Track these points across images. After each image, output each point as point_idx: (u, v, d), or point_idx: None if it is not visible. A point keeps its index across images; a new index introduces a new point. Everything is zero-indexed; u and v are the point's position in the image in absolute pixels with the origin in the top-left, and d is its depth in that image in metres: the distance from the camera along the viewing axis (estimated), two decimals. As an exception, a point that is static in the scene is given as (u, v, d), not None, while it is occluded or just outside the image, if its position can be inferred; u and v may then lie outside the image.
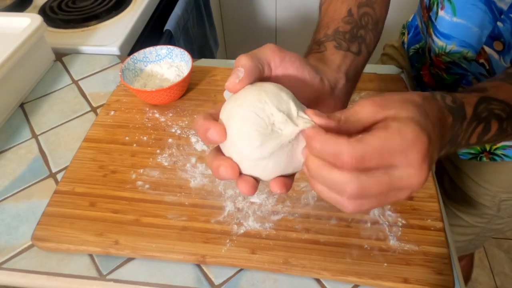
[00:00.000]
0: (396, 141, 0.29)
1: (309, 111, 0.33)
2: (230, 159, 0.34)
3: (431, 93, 0.35)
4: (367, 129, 0.32)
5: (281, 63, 0.35)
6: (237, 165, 0.34)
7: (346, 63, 0.42)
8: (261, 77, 0.35)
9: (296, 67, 0.36)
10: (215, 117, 0.35)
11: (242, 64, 0.34)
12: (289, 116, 0.32)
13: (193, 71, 0.73)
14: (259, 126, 0.32)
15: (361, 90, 0.71)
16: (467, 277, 1.37)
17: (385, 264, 0.48)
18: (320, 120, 0.32)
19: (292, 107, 0.33)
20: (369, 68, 0.77)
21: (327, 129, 0.31)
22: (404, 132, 0.30)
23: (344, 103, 0.41)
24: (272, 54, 0.35)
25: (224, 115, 0.34)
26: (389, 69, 0.78)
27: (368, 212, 0.53)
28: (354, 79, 0.44)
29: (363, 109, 0.32)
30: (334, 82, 0.40)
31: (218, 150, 0.35)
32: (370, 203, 0.31)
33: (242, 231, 0.52)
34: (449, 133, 0.35)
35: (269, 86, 0.34)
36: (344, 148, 0.29)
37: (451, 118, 0.35)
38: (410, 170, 0.30)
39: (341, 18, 0.46)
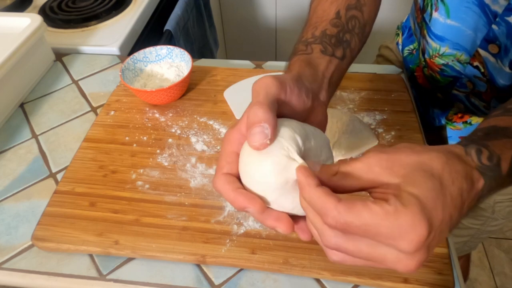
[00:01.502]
0: (389, 223, 0.26)
1: (298, 168, 0.31)
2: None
3: (465, 148, 0.32)
4: (365, 189, 0.30)
5: (286, 98, 0.35)
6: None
7: (330, 68, 0.42)
8: None
9: (297, 94, 0.35)
10: (233, 173, 0.34)
11: (263, 118, 0.31)
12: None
13: (193, 71, 0.73)
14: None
15: (361, 90, 0.71)
16: (464, 277, 1.37)
17: (385, 264, 0.48)
18: (306, 178, 0.30)
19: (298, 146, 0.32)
20: (369, 68, 0.77)
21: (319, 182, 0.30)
22: (400, 216, 0.26)
23: (324, 107, 0.40)
24: (278, 92, 0.34)
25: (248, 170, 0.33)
26: (389, 69, 0.78)
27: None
28: (336, 83, 0.44)
29: (369, 164, 0.30)
30: (318, 88, 0.40)
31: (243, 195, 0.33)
32: (352, 261, 0.29)
33: (242, 231, 0.52)
34: (475, 198, 0.31)
35: (285, 131, 0.33)
36: (329, 210, 0.28)
37: (482, 181, 0.31)
38: (399, 256, 0.27)
39: (329, 20, 0.46)
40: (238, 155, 0.35)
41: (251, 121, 0.31)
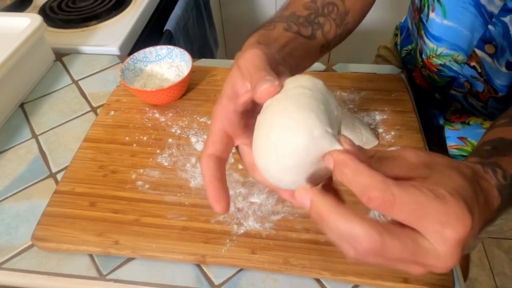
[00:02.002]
0: (438, 207, 0.25)
1: (342, 138, 0.28)
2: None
3: (482, 166, 0.32)
4: (399, 178, 0.28)
5: (274, 67, 0.34)
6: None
7: (292, 44, 0.41)
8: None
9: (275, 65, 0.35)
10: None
11: (268, 75, 0.31)
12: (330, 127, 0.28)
13: (193, 71, 0.73)
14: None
15: (361, 90, 0.71)
16: (464, 277, 1.37)
17: (385, 264, 0.48)
18: (352, 148, 0.28)
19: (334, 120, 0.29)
20: (369, 68, 0.77)
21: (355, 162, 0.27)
22: (450, 204, 0.25)
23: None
24: (266, 57, 0.33)
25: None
26: (389, 69, 0.78)
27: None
28: (301, 60, 0.42)
29: (406, 156, 0.28)
30: (279, 60, 0.38)
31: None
32: (379, 262, 0.27)
33: (242, 231, 0.52)
34: (491, 215, 0.31)
35: (320, 87, 0.30)
36: (378, 182, 0.25)
37: (499, 200, 0.31)
38: (441, 248, 0.26)
39: (302, 4, 0.46)
40: (224, 132, 0.33)
41: (255, 79, 0.31)
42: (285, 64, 0.38)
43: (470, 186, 0.28)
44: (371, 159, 0.28)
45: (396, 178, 0.27)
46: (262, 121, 0.30)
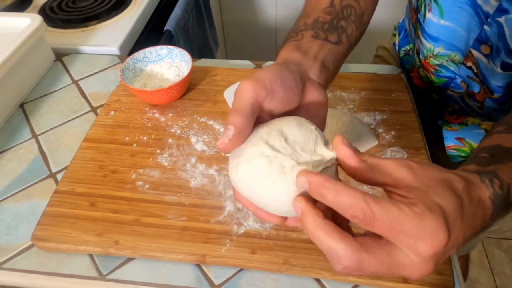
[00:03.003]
0: (414, 222, 0.27)
1: (338, 139, 0.31)
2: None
3: (480, 176, 0.33)
4: (386, 186, 0.30)
5: (268, 93, 0.34)
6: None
7: (322, 51, 0.42)
8: (257, 118, 0.34)
9: (279, 84, 0.35)
10: None
11: (232, 122, 0.32)
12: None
13: (193, 71, 0.73)
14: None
15: (361, 90, 0.71)
16: (464, 277, 1.37)
17: (385, 264, 0.48)
18: (348, 151, 0.30)
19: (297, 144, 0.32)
20: (369, 68, 0.77)
21: (349, 166, 0.30)
22: (426, 219, 0.27)
23: (319, 87, 0.39)
24: (256, 93, 0.34)
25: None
26: (389, 69, 0.78)
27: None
28: (333, 67, 0.43)
29: (398, 168, 0.30)
30: (308, 69, 0.40)
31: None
32: (361, 273, 0.29)
33: (242, 231, 0.52)
34: (483, 224, 0.32)
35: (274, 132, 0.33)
36: (358, 200, 0.27)
37: (491, 210, 0.32)
38: (415, 259, 0.28)
39: (322, 9, 0.46)
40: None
41: (224, 127, 0.33)
42: (320, 75, 0.40)
43: (456, 201, 0.29)
44: (364, 163, 0.30)
45: (384, 185, 0.30)
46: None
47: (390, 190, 0.31)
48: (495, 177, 0.34)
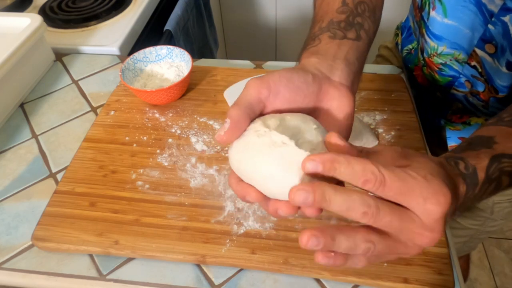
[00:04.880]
0: (422, 183, 0.29)
1: (332, 135, 0.32)
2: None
3: (444, 158, 0.35)
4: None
5: (270, 91, 0.35)
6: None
7: (343, 49, 0.41)
8: (260, 115, 0.35)
9: (285, 84, 0.35)
10: None
11: (229, 114, 0.33)
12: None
13: (193, 71, 0.73)
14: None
15: (361, 90, 0.71)
16: (464, 277, 1.37)
17: (385, 264, 0.48)
18: (342, 144, 0.32)
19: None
20: (369, 68, 0.77)
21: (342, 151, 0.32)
22: (432, 181, 0.29)
23: (342, 88, 0.38)
24: (257, 91, 0.34)
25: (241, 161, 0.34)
26: (389, 69, 0.78)
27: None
28: (358, 64, 0.42)
29: (387, 150, 0.32)
30: (328, 69, 0.38)
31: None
32: (374, 250, 0.31)
33: (242, 231, 0.52)
34: (461, 201, 0.34)
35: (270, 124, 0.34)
36: (370, 166, 0.29)
37: (465, 186, 0.34)
38: (425, 220, 0.30)
39: (335, 10, 0.46)
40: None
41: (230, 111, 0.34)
42: (342, 74, 0.39)
43: (443, 171, 0.32)
44: (361, 153, 0.33)
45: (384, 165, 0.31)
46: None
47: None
48: (461, 160, 0.36)
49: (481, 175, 0.36)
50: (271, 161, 0.31)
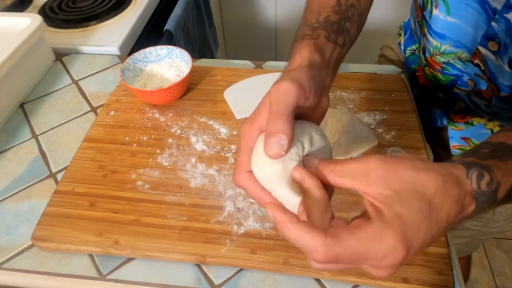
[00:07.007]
0: (375, 248, 0.30)
1: (298, 168, 0.34)
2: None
3: (467, 171, 0.33)
4: (357, 189, 0.32)
5: (306, 98, 0.36)
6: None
7: (333, 56, 0.44)
8: None
9: (313, 92, 0.37)
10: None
11: (281, 130, 0.33)
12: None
13: (193, 71, 0.73)
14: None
15: (361, 90, 0.71)
16: (464, 278, 1.37)
17: (385, 264, 0.48)
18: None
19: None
20: (369, 68, 0.77)
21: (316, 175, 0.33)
22: (384, 239, 0.30)
23: (328, 95, 0.41)
24: (297, 97, 0.35)
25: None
26: (389, 69, 0.78)
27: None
28: (336, 70, 0.45)
29: (363, 171, 0.32)
30: (325, 77, 0.41)
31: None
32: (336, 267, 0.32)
33: (242, 231, 0.52)
34: (462, 220, 0.33)
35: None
36: (319, 246, 0.30)
37: (473, 206, 0.33)
38: (378, 267, 0.31)
39: (331, 6, 0.47)
40: (251, 150, 0.37)
41: (269, 131, 0.33)
42: (331, 81, 0.42)
43: (421, 207, 0.31)
44: (331, 174, 0.33)
45: (355, 189, 0.32)
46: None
47: (361, 194, 0.33)
48: (488, 172, 0.33)
49: (502, 192, 0.34)
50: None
